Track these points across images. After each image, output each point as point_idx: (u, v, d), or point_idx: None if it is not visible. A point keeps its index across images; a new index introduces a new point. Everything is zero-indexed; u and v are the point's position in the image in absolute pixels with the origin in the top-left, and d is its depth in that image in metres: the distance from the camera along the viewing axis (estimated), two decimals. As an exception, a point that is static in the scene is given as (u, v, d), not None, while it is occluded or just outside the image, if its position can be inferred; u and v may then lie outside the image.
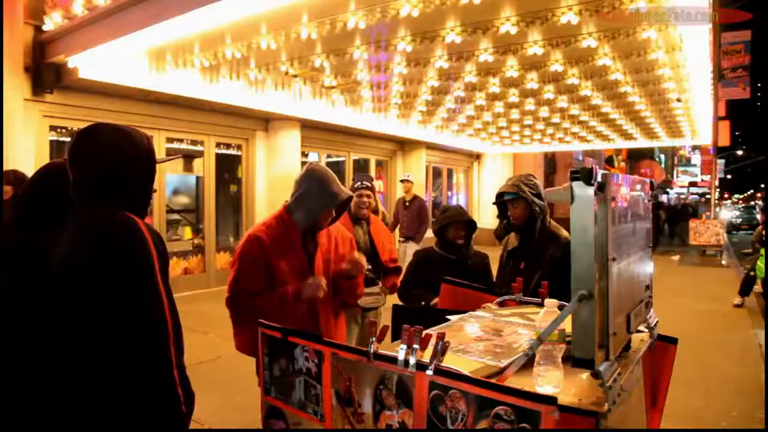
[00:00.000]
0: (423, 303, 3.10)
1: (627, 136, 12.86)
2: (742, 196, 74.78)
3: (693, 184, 46.47)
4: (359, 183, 3.62)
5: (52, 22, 6.21)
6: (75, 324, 1.31)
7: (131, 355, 1.30)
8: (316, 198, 2.37)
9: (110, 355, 1.30)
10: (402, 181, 8.16)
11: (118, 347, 1.30)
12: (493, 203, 2.84)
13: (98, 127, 1.49)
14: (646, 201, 1.84)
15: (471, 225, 3.25)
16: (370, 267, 3.56)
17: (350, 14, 4.89)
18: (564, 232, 2.71)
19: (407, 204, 7.82)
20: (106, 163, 1.43)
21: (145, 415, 1.31)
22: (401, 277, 3.51)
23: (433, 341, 1.41)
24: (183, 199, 9.69)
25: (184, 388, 1.40)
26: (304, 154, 11.02)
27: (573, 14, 4.86)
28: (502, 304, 2.30)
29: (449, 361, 1.45)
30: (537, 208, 2.69)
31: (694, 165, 44.43)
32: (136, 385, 1.31)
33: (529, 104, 8.97)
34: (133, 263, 1.33)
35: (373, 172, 13.07)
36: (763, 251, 7.78)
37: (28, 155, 6.44)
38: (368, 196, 3.58)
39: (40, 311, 1.37)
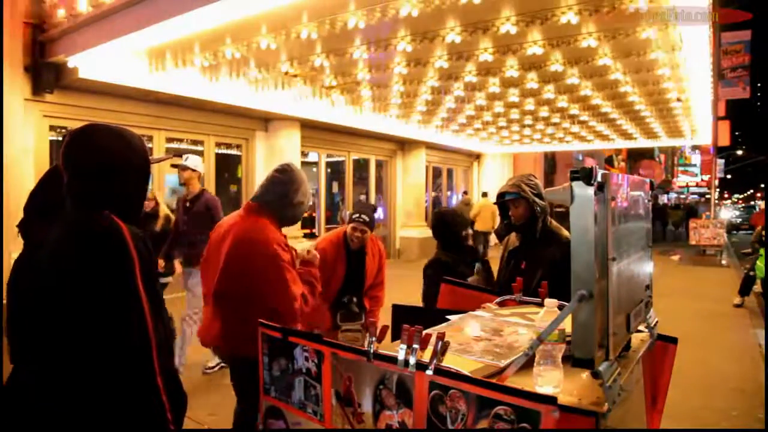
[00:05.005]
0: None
1: (627, 136, 12.87)
2: (742, 196, 74.71)
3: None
4: (357, 215, 3.48)
5: (53, 21, 6.20)
6: (51, 327, 1.28)
7: (105, 361, 1.26)
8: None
9: (84, 361, 1.26)
10: None
11: (92, 353, 1.26)
12: (494, 203, 2.85)
13: (91, 128, 1.46)
14: (646, 201, 1.84)
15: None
16: (355, 300, 3.50)
17: (350, 14, 4.89)
18: (565, 232, 2.71)
19: None
20: (98, 165, 1.40)
21: (124, 423, 1.27)
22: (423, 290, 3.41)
23: (433, 341, 1.41)
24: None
25: (173, 393, 1.35)
26: (304, 154, 11.02)
27: (573, 14, 4.86)
28: (502, 304, 2.31)
29: (449, 361, 1.45)
30: (538, 208, 2.70)
31: (694, 165, 44.39)
32: (111, 392, 1.27)
33: (529, 104, 8.99)
34: (106, 267, 1.29)
35: (372, 172, 13.08)
36: (763, 251, 7.78)
37: (27, 155, 6.45)
38: (362, 232, 3.45)
39: (26, 314, 1.35)
